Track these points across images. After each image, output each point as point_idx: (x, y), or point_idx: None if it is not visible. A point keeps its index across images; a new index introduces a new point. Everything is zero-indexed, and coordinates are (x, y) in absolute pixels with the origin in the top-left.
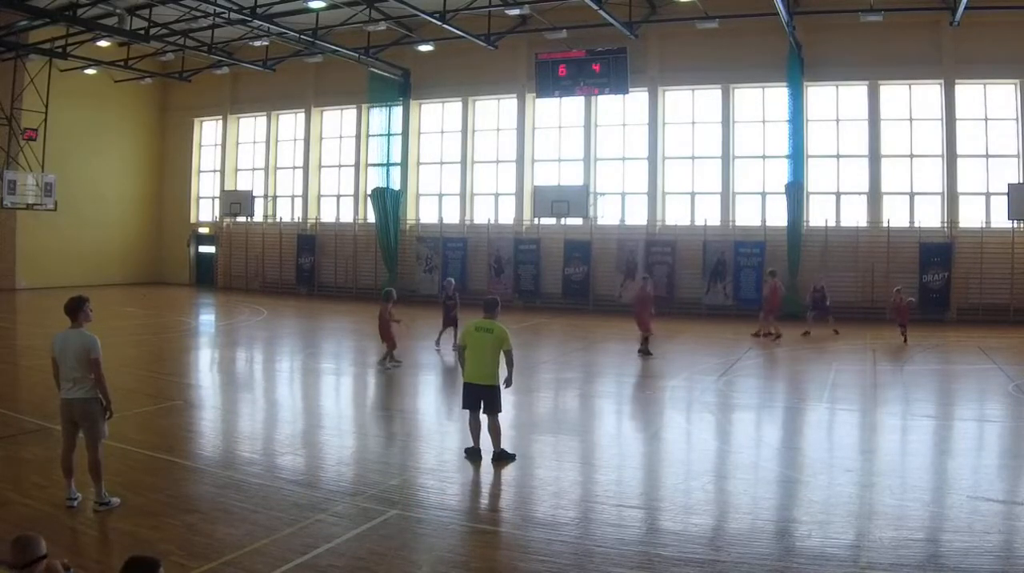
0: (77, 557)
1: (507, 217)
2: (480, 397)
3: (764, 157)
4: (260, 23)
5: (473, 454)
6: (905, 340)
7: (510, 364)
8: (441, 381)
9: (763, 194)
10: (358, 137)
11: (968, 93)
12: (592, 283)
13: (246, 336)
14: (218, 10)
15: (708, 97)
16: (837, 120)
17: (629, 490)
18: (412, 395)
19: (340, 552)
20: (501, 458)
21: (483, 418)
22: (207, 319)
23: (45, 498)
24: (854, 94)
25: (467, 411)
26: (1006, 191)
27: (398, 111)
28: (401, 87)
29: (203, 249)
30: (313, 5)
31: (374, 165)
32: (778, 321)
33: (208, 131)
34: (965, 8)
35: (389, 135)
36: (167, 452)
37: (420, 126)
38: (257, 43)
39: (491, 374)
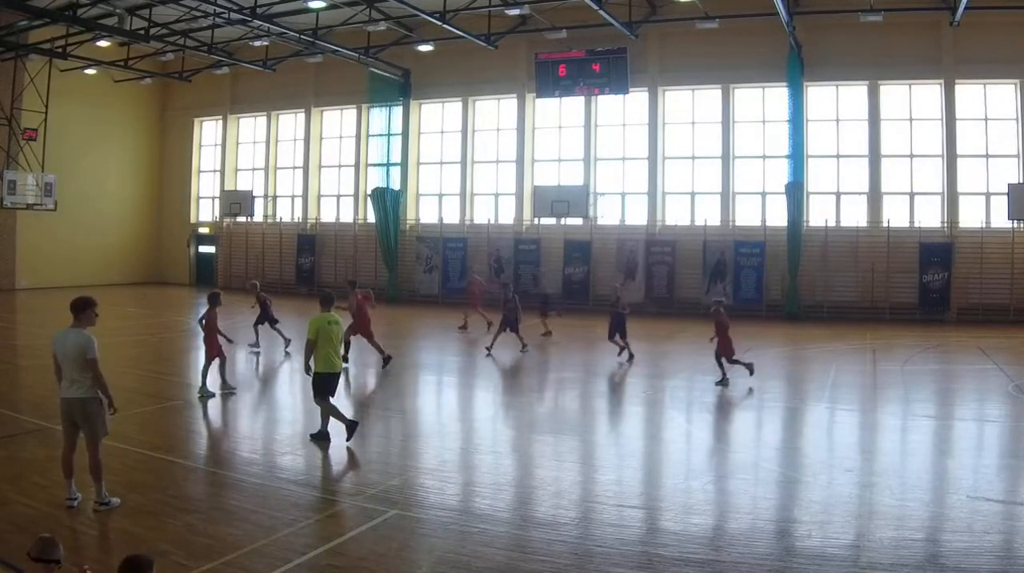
0: (77, 557)
1: (507, 217)
2: (336, 383)
3: (764, 157)
4: (260, 23)
5: (323, 438)
6: (722, 376)
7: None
8: (441, 381)
9: (763, 194)
10: (358, 137)
11: (968, 93)
12: (592, 283)
13: (246, 336)
14: (218, 10)
15: (708, 97)
16: (837, 120)
17: (629, 490)
18: (412, 395)
19: (340, 552)
20: (327, 437)
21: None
22: None
23: (45, 498)
24: (854, 94)
25: (320, 400)
26: (1006, 191)
27: (398, 111)
28: (401, 87)
29: (203, 249)
30: (313, 5)
31: (374, 165)
32: (480, 311)
33: (208, 131)
34: (965, 8)
35: (389, 135)
36: (167, 452)
37: (420, 126)
38: (257, 43)
39: (341, 361)
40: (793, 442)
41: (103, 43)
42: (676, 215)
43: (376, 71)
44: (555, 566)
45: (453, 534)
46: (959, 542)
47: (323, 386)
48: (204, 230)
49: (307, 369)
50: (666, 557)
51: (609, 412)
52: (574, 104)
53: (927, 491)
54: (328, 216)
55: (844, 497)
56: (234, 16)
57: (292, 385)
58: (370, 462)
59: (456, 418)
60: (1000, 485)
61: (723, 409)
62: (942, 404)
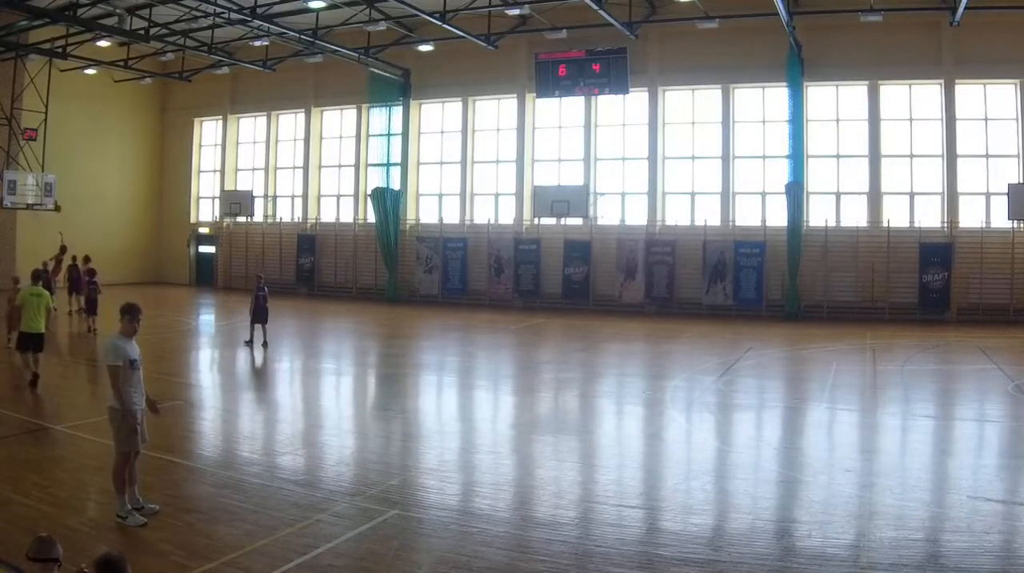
0: (77, 557)
1: (507, 217)
2: (37, 341)
3: (764, 157)
4: (260, 23)
5: (33, 383)
6: None
7: (48, 315)
8: (442, 382)
9: (763, 194)
10: (358, 137)
11: (968, 93)
12: (592, 283)
13: (246, 336)
14: (218, 10)
15: (708, 97)
16: (837, 120)
17: (629, 490)
18: (412, 395)
19: (340, 552)
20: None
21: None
22: (207, 319)
23: (45, 498)
24: (854, 94)
25: (20, 352)
26: (1006, 191)
27: (398, 111)
28: (401, 87)
29: (203, 249)
30: (313, 5)
31: (374, 165)
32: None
33: (208, 131)
34: (965, 8)
35: (389, 135)
36: (167, 452)
37: (420, 126)
38: (257, 43)
39: (42, 325)
40: (793, 442)
41: (103, 43)
42: (676, 215)
43: (376, 71)
44: (555, 566)
45: (453, 534)
46: (959, 542)
47: (25, 342)
48: (204, 230)
49: (12, 326)
50: (666, 557)
51: (607, 412)
52: (574, 104)
53: (927, 491)
54: (328, 216)
55: (844, 497)
56: (234, 16)
57: (292, 385)
58: (370, 462)
59: (456, 418)
60: (1000, 485)
61: (723, 409)
62: (942, 404)
